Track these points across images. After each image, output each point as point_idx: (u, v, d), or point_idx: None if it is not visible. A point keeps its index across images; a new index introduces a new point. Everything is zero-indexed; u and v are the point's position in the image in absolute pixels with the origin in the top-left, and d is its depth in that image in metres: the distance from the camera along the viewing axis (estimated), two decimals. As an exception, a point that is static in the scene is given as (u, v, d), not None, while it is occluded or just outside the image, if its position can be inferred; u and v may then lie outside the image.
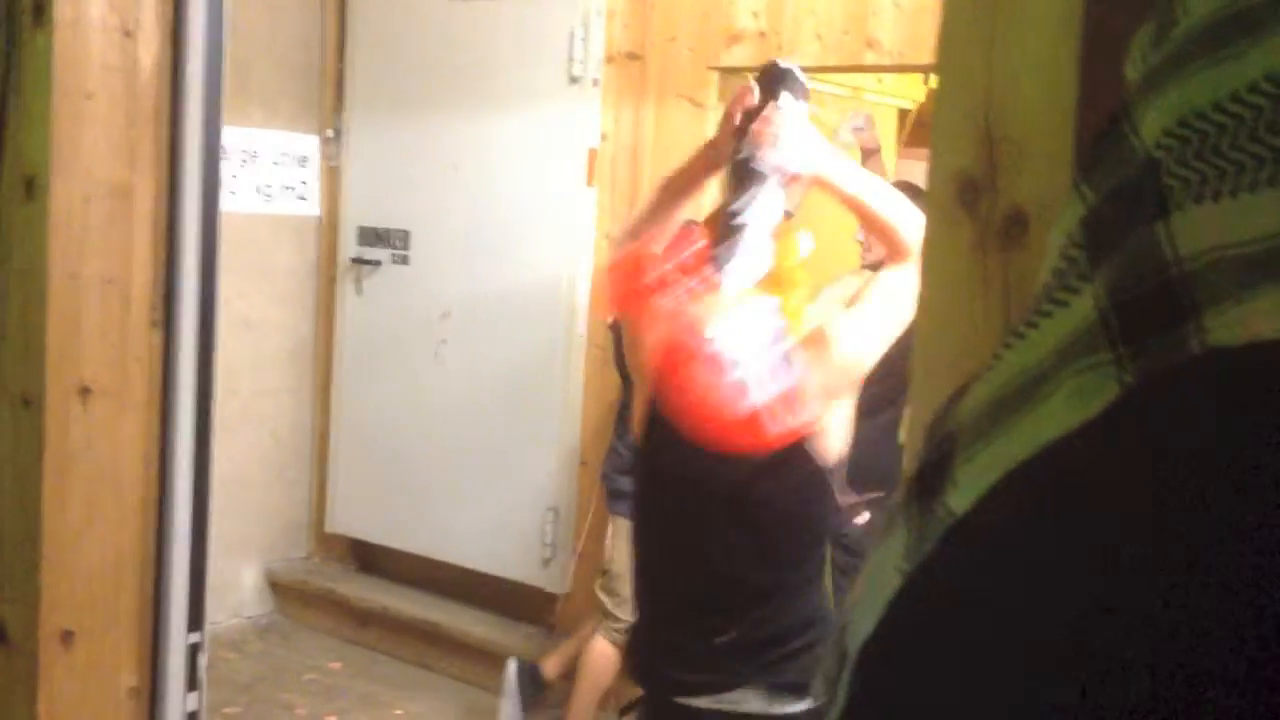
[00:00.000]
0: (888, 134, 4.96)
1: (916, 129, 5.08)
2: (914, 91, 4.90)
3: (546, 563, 4.30)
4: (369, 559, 4.94)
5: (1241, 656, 0.44)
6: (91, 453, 2.02)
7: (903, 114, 4.97)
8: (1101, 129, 0.66)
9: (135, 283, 2.06)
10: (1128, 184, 0.56)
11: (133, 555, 2.08)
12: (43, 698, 1.99)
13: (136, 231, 2.06)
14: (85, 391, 2.01)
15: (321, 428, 4.93)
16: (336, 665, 4.54)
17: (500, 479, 4.40)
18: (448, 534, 4.52)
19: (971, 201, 0.97)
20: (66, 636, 2.01)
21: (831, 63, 3.86)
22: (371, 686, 4.39)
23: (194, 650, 2.09)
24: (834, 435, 2.01)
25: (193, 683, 2.08)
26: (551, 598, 4.32)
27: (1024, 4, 0.92)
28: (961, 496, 0.56)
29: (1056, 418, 0.54)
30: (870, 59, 3.76)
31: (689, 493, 2.03)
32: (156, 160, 2.08)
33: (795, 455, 1.94)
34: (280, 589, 4.96)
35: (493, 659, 4.21)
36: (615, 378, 4.19)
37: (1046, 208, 0.92)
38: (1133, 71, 0.69)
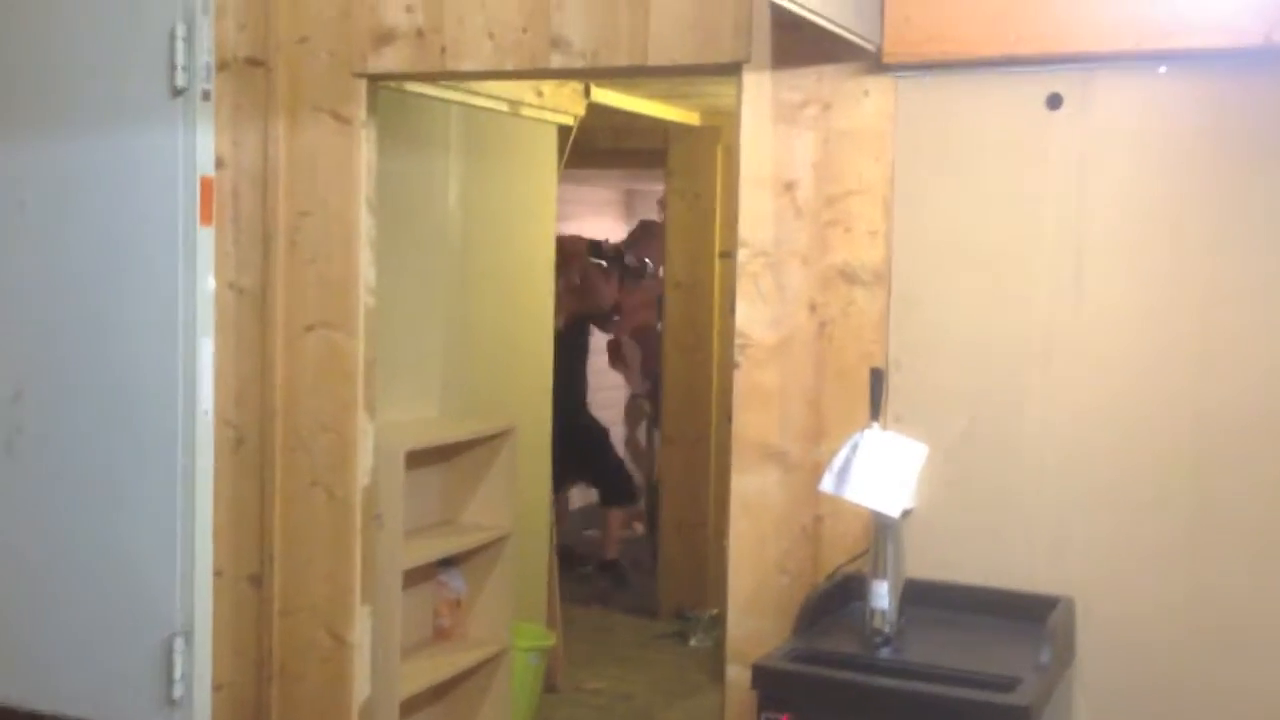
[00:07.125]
0: (548, 154, 4.35)
1: (575, 151, 4.50)
2: (574, 105, 4.31)
3: (175, 702, 3.38)
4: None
5: None
6: None
7: (563, 131, 4.36)
8: None
9: None
10: None
11: None
12: None
13: None
14: None
15: None
16: None
17: (104, 601, 3.44)
18: (36, 676, 3.50)
19: None
20: None
21: (509, 66, 3.19)
22: None
23: None
24: None
25: None
26: (187, 749, 3.40)
27: None
28: None
29: None
30: (557, 61, 3.13)
31: None
32: None
33: None
34: None
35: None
36: (254, 459, 3.36)
37: None
38: None
